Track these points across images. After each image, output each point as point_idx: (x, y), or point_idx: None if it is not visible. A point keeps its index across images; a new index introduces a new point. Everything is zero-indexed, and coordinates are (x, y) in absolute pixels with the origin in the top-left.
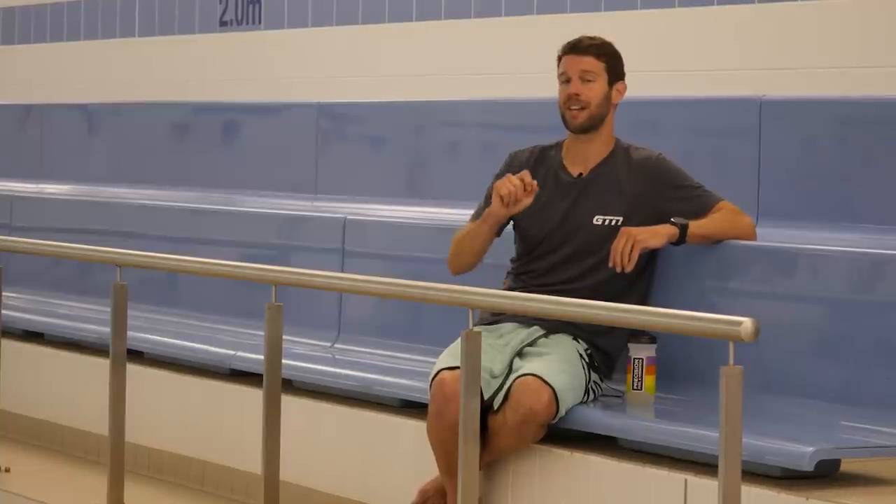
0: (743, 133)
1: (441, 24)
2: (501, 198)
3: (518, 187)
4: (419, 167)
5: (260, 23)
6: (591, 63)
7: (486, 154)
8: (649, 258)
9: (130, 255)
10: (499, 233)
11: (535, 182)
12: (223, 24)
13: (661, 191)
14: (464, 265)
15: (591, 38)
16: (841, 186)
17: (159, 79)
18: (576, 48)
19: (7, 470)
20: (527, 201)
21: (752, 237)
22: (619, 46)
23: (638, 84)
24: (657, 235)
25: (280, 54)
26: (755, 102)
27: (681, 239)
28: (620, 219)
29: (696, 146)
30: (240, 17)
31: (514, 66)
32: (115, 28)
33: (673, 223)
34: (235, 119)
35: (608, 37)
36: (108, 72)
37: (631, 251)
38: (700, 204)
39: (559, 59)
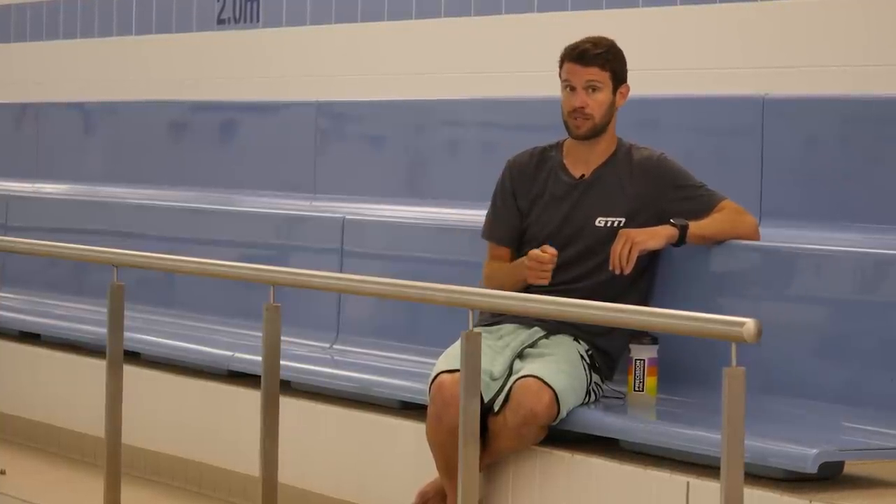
0: (745, 132)
1: (441, 21)
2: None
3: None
4: (419, 167)
5: (258, 21)
6: (596, 73)
7: (487, 153)
8: (650, 259)
9: (127, 255)
10: (519, 244)
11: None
12: (221, 22)
13: (663, 191)
14: None
15: (594, 44)
16: (844, 186)
17: (156, 77)
18: (582, 58)
19: (3, 472)
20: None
21: (756, 237)
22: (619, 44)
23: (640, 83)
24: (656, 237)
25: (278, 53)
26: (758, 101)
27: (680, 240)
28: (623, 220)
29: (699, 145)
30: (238, 16)
31: (515, 64)
32: (112, 26)
33: (672, 224)
34: (233, 118)
35: (609, 35)
36: (105, 70)
37: (629, 253)
38: (702, 204)
39: (561, 62)
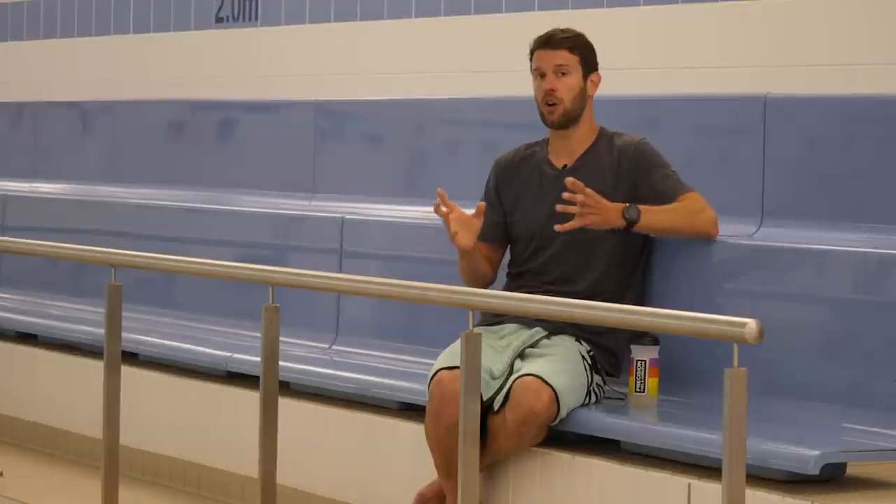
0: (747, 131)
1: (441, 20)
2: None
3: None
4: (418, 166)
5: (256, 19)
6: (564, 57)
7: (487, 152)
8: (643, 248)
9: (125, 255)
10: (503, 241)
11: (481, 204)
12: (219, 20)
13: (637, 172)
14: (479, 285)
15: (563, 31)
16: (846, 185)
17: (154, 76)
18: (549, 42)
19: (0, 474)
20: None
21: (714, 232)
22: (620, 43)
23: (640, 82)
24: (606, 224)
25: (277, 51)
26: (759, 100)
27: (627, 229)
28: None
29: (700, 145)
30: (236, 14)
31: (515, 63)
32: (110, 24)
33: (623, 215)
34: (232, 117)
35: (610, 34)
36: (103, 69)
37: (577, 219)
38: (667, 188)
39: (531, 53)
